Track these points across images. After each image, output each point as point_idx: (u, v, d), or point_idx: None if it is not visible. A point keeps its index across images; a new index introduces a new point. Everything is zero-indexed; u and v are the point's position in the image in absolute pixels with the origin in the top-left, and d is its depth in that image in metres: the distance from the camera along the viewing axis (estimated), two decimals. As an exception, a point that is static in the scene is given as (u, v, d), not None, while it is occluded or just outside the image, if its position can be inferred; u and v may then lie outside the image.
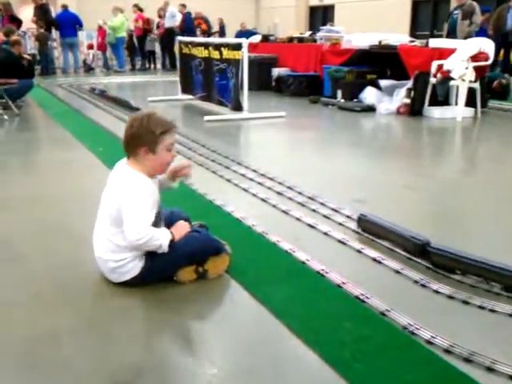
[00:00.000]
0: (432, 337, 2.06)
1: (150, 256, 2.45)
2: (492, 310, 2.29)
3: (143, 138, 2.40)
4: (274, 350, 2.06)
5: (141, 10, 16.24)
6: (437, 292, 2.46)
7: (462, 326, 2.22)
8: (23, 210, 3.67)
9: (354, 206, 3.63)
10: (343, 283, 2.53)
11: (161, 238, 2.41)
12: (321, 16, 24.90)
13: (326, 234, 3.17)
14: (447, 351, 1.99)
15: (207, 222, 2.99)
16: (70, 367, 1.95)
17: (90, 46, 16.68)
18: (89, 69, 15.62)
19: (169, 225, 2.57)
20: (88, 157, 5.07)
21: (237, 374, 1.92)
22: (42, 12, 13.11)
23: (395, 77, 8.41)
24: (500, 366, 1.89)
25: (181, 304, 2.39)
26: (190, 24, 15.15)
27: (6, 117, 7.20)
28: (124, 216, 2.36)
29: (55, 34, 15.48)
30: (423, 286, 2.52)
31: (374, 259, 2.81)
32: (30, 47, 14.92)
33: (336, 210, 3.55)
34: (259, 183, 4.19)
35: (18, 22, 12.20)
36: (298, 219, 3.41)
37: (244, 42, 7.12)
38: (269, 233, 3.13)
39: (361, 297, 2.40)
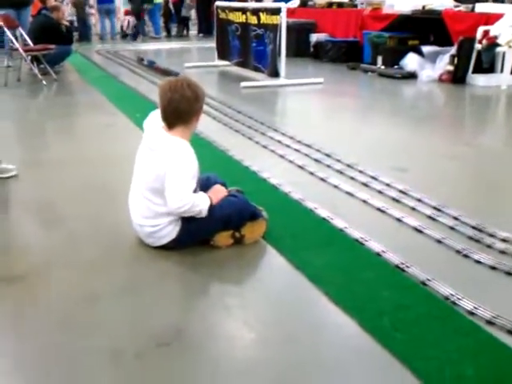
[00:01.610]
0: (474, 307, 2.00)
1: (187, 220, 2.44)
2: (538, 282, 2.21)
3: (195, 107, 2.42)
4: (312, 317, 2.03)
5: (178, -25, 16.03)
6: (479, 262, 2.38)
7: (505, 297, 2.15)
8: (64, 173, 3.71)
9: (393, 174, 3.54)
10: (383, 251, 2.47)
11: (201, 204, 2.39)
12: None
13: (364, 201, 3.11)
14: (490, 322, 1.93)
15: (243, 188, 2.96)
16: (108, 327, 1.97)
17: (127, 13, 16.61)
18: (125, 35, 15.60)
19: (205, 190, 2.55)
20: (125, 121, 5.09)
21: (274, 340, 1.91)
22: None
23: (438, 43, 8.11)
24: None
25: (218, 268, 2.39)
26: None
27: (44, 82, 7.26)
28: (168, 183, 2.35)
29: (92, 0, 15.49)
30: (465, 256, 2.44)
31: (415, 228, 2.74)
32: (68, 13, 14.96)
33: (375, 178, 3.47)
34: (296, 150, 4.13)
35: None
36: (335, 187, 3.35)
37: (283, 6, 6.96)
38: (306, 200, 3.08)
39: (401, 265, 2.34)
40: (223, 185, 2.77)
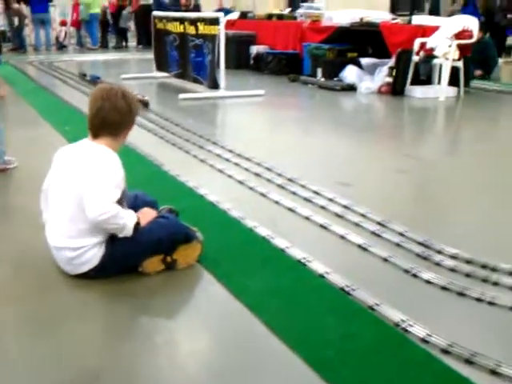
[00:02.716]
0: (427, 335, 1.84)
1: (112, 243, 2.19)
2: (491, 303, 2.08)
3: (126, 120, 2.26)
4: (250, 350, 1.83)
5: (116, -15, 15.67)
6: (429, 282, 2.24)
7: (460, 321, 2.01)
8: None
9: (337, 188, 3.39)
10: (326, 273, 2.30)
11: (125, 218, 2.15)
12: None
13: (307, 218, 2.93)
14: (445, 351, 1.77)
15: (178, 206, 2.73)
16: (15, 373, 1.69)
17: (63, 23, 16.07)
18: (61, 46, 15.05)
19: (133, 210, 2.30)
20: (52, 134, 4.75)
21: (208, 379, 1.68)
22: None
23: (377, 55, 8.15)
24: (505, 368, 1.68)
25: (146, 298, 2.14)
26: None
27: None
28: (88, 190, 2.10)
29: (26, 9, 14.88)
30: (414, 275, 2.30)
31: (360, 246, 2.59)
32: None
33: (317, 193, 3.31)
34: (235, 164, 3.93)
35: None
36: (276, 202, 3.16)
37: (221, 16, 6.79)
38: (245, 218, 2.88)
39: (346, 288, 2.17)
40: (153, 203, 2.55)
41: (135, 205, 2.36)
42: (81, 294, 2.16)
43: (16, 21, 13.96)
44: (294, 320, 1.98)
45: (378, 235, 2.70)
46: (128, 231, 2.16)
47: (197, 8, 13.64)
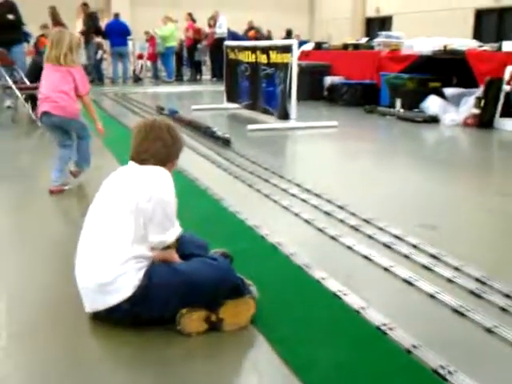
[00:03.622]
0: None
1: (149, 274, 1.86)
2: None
3: (170, 151, 2.08)
4: None
5: (194, 20, 15.87)
6: (553, 367, 1.69)
7: None
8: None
9: (421, 232, 2.88)
10: (414, 347, 1.79)
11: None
12: (377, 28, 23.99)
13: (386, 269, 2.43)
14: None
15: (233, 249, 2.34)
16: None
17: (140, 56, 16.45)
18: (137, 79, 15.34)
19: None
20: (113, 164, 4.51)
21: None
22: (90, 20, 12.87)
23: (462, 85, 7.55)
24: None
25: (179, 365, 1.71)
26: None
27: (39, 123, 6.76)
28: (159, 212, 1.89)
29: (105, 43, 15.33)
30: (532, 356, 1.75)
31: (455, 310, 2.06)
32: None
33: (399, 238, 2.81)
34: (303, 200, 3.49)
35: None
36: (349, 248, 2.68)
37: (294, 42, 6.46)
38: (311, 266, 2.42)
39: (440, 371, 1.65)
40: (203, 247, 2.15)
41: (181, 247, 2.00)
42: (101, 346, 1.77)
43: (99, 54, 14.38)
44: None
45: (479, 296, 2.16)
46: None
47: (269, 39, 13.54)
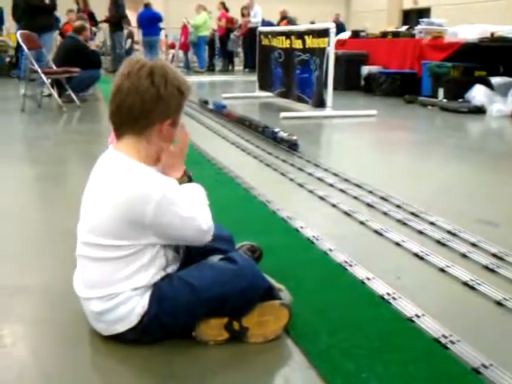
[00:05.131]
0: None
1: (157, 298, 1.49)
2: None
3: (154, 108, 1.46)
4: None
5: (226, 9, 15.56)
6: None
7: None
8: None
9: (480, 229, 2.51)
10: (484, 366, 1.44)
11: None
12: (415, 20, 23.29)
13: (442, 270, 2.08)
14: None
15: (263, 244, 2.02)
16: None
17: (171, 46, 16.24)
18: (169, 69, 15.15)
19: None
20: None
21: None
22: (114, 8, 12.60)
23: (509, 74, 7.07)
24: None
25: (197, 382, 1.41)
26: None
27: (64, 109, 6.57)
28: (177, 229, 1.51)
29: (138, 33, 15.17)
30: None
31: (531, 321, 1.70)
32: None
33: (453, 234, 2.44)
34: (341, 191, 3.15)
35: (94, 21, 11.83)
36: (397, 244, 2.34)
37: (332, 26, 6.08)
38: (354, 264, 2.09)
39: None
40: (229, 239, 1.83)
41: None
42: (103, 359, 1.47)
43: (128, 43, 14.24)
44: None
45: (557, 305, 1.80)
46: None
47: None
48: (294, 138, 4.24)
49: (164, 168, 1.59)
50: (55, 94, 6.74)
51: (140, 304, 1.48)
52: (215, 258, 1.61)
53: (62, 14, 11.11)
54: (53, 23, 8.04)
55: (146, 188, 1.43)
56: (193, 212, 1.51)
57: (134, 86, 1.43)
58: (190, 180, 1.65)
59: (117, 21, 12.39)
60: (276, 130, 4.51)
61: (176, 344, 1.53)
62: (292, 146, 4.19)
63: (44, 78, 6.63)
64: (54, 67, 6.94)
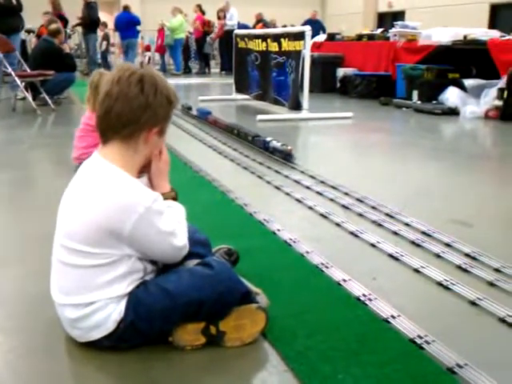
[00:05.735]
0: None
1: (133, 304, 1.48)
2: None
3: (142, 115, 1.46)
4: None
5: (202, 11, 15.52)
6: None
7: None
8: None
9: (453, 229, 2.54)
10: (459, 366, 1.46)
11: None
12: (389, 23, 23.54)
13: (417, 270, 2.11)
14: None
15: (239, 247, 2.02)
16: None
17: (147, 48, 16.16)
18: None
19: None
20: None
21: None
22: (86, 10, 12.41)
23: (482, 76, 7.20)
24: None
25: (176, 389, 1.40)
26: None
27: (39, 112, 6.49)
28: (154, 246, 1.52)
29: (114, 36, 15.07)
30: None
31: (503, 320, 1.73)
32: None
33: (427, 235, 2.48)
34: (318, 193, 3.17)
35: (64, 21, 11.68)
36: (373, 246, 2.36)
37: (307, 29, 6.12)
38: (330, 266, 2.10)
39: (496, 399, 1.33)
40: (205, 242, 1.82)
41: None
42: (80, 366, 1.46)
43: (103, 45, 14.12)
44: None
45: (530, 304, 1.83)
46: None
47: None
48: (289, 148, 3.97)
49: (151, 181, 1.59)
50: (29, 97, 6.66)
51: (116, 311, 1.47)
52: (192, 263, 1.60)
53: (36, 15, 11.02)
54: (19, 24, 7.96)
55: (131, 199, 1.43)
56: (172, 228, 1.51)
57: (123, 92, 1.43)
58: (174, 198, 1.65)
59: (89, 23, 12.25)
60: (268, 139, 4.23)
61: (153, 350, 1.52)
62: (286, 157, 3.95)
63: (18, 81, 6.54)
64: (28, 70, 6.85)
